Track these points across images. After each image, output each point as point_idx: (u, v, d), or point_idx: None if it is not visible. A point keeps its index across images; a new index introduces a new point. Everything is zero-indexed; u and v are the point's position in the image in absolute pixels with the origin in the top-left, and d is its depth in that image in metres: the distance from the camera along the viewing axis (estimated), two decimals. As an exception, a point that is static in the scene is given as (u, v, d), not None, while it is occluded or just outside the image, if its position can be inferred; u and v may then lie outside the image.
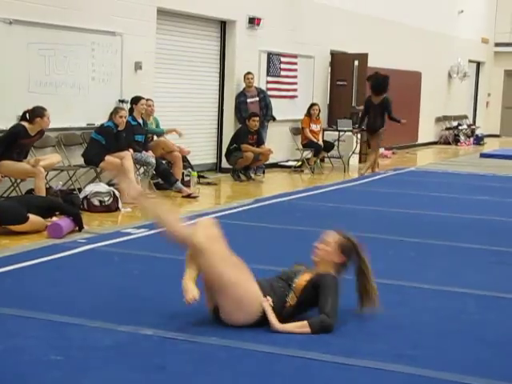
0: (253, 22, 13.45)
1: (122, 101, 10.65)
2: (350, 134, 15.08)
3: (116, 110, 9.89)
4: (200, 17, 12.59)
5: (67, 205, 7.97)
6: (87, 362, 3.91)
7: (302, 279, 4.60)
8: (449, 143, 22.47)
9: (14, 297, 5.06)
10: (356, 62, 15.92)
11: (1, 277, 5.59)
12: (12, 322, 4.52)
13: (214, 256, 4.42)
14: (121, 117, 9.72)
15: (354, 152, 15.38)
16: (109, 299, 5.08)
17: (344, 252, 4.73)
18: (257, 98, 13.32)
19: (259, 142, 12.55)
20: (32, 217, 7.35)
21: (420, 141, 20.92)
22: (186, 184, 10.77)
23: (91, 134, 9.86)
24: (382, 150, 15.60)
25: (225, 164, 13.08)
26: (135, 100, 10.52)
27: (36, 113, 8.43)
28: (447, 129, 22.86)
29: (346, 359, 4.06)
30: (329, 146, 14.60)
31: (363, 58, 15.89)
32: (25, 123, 8.48)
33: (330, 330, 4.39)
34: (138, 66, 11.01)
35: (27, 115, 8.51)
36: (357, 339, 4.42)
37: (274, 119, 13.64)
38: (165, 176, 10.47)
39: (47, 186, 8.77)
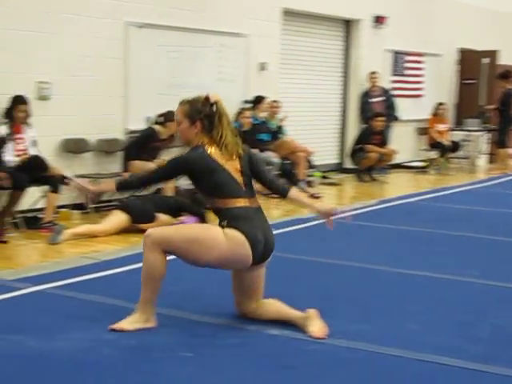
0: (378, 20, 13.29)
1: (246, 101, 10.75)
2: (477, 133, 14.66)
3: (240, 111, 10.00)
4: (325, 16, 12.55)
5: (194, 205, 8.10)
6: (217, 359, 3.95)
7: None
8: None
9: (137, 293, 5.16)
10: (485, 60, 15.46)
11: (134, 272, 5.74)
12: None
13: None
14: (245, 117, 9.81)
15: (481, 152, 14.93)
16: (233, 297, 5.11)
17: (191, 116, 4.46)
18: (381, 98, 13.16)
19: (383, 142, 12.40)
20: (160, 216, 7.52)
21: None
22: (309, 184, 10.76)
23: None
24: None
25: (348, 164, 12.99)
26: (258, 99, 10.61)
27: (168, 117, 8.62)
28: None
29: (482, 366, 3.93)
30: (455, 147, 14.23)
31: (493, 55, 15.42)
32: (157, 126, 8.69)
33: None
34: (262, 67, 11.10)
35: (160, 119, 8.72)
36: (492, 346, 4.27)
37: (396, 119, 13.43)
38: (288, 176, 10.49)
39: (175, 185, 8.95)
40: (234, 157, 4.48)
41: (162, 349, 4.05)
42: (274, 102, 10.91)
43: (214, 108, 4.49)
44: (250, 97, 10.78)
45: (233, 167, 4.44)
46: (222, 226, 4.32)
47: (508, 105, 13.67)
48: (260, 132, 10.43)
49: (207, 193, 4.44)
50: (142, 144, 8.59)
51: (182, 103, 4.51)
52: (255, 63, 11.01)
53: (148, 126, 8.91)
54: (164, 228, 4.51)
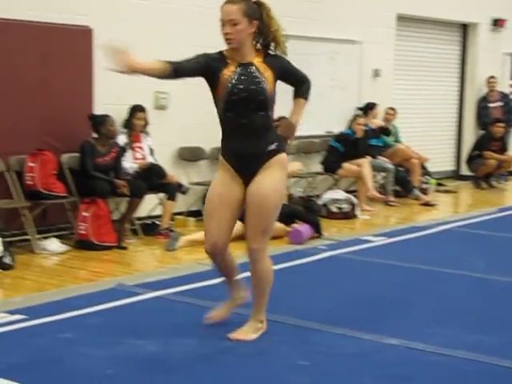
0: (497, 23, 12.92)
1: (360, 108, 10.67)
2: None
3: (354, 118, 9.93)
4: (440, 21, 12.31)
5: (307, 212, 8.09)
6: (333, 368, 3.92)
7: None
8: None
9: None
10: None
11: (247, 280, 5.77)
12: (259, 324, 4.64)
13: None
14: (359, 124, 9.74)
15: None
16: (351, 306, 5.08)
17: (249, 14, 4.18)
18: (500, 103, 12.78)
19: (503, 148, 12.03)
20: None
21: None
22: (424, 191, 10.56)
23: (330, 141, 9.98)
24: None
25: (465, 171, 12.67)
26: (370, 106, 10.51)
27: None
28: None
29: None
30: None
31: None
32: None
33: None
34: (376, 74, 10.99)
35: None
36: None
37: (513, 125, 13.01)
38: (402, 183, 10.35)
39: (287, 192, 8.97)
40: None
41: (278, 356, 4.06)
42: (390, 109, 10.78)
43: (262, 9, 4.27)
44: (363, 104, 10.69)
45: None
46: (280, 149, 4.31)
47: None
48: (371, 137, 10.32)
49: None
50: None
51: (235, 2, 4.16)
52: (368, 70, 10.92)
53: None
54: (258, 230, 4.44)
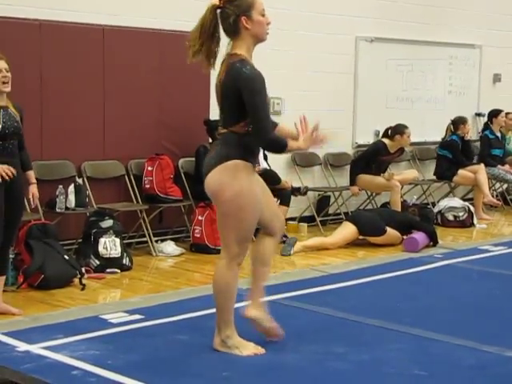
0: None
1: (478, 114, 10.40)
2: None
3: (454, 122, 9.63)
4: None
5: (423, 222, 7.92)
6: (451, 379, 3.82)
7: None
8: None
9: (373, 307, 5.14)
10: None
11: (362, 287, 5.73)
12: (373, 332, 4.59)
13: None
14: (466, 128, 9.49)
15: None
16: (469, 317, 4.94)
17: None
18: None
19: None
20: (389, 230, 7.45)
21: None
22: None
23: (436, 149, 9.76)
24: None
25: None
26: (494, 113, 10.17)
27: (397, 130, 8.53)
28: None
29: None
30: None
31: None
32: (385, 140, 8.63)
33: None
34: (496, 79, 10.68)
35: (389, 132, 8.66)
36: None
37: None
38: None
39: (402, 199, 8.83)
40: None
41: (394, 365, 3.98)
42: (508, 113, 10.41)
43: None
44: (483, 109, 10.40)
45: None
46: None
47: None
48: (494, 147, 10.01)
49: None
50: (371, 158, 8.56)
51: None
52: (489, 75, 10.62)
53: (378, 140, 8.87)
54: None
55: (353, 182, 8.59)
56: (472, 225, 8.82)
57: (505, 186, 10.17)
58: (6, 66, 4.86)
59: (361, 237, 7.51)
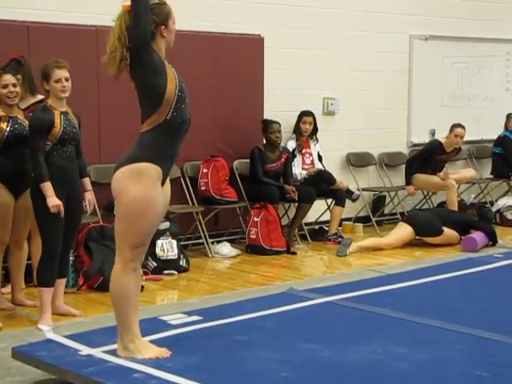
0: None
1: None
2: None
3: (508, 116, 9.46)
4: None
5: (482, 222, 7.81)
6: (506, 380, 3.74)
7: None
8: None
9: (432, 308, 5.08)
10: None
11: (420, 287, 5.66)
12: (433, 332, 4.53)
13: None
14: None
15: None
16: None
17: None
18: None
19: None
20: (446, 230, 7.36)
21: None
22: None
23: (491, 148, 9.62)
24: None
25: None
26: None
27: (450, 129, 8.43)
28: None
29: None
30: None
31: None
32: (442, 139, 8.54)
33: None
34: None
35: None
36: None
37: None
38: None
39: (459, 198, 8.72)
40: None
41: (456, 366, 3.92)
42: None
43: None
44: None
45: None
46: None
47: None
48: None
49: None
50: (427, 157, 8.47)
51: None
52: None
53: (434, 139, 8.77)
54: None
55: (408, 181, 8.51)
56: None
57: None
58: (67, 74, 4.97)
59: (417, 237, 7.44)
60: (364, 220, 8.55)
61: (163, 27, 3.83)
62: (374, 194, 8.81)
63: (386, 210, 8.89)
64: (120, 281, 3.84)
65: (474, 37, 9.53)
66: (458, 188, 8.81)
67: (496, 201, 9.18)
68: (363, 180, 8.73)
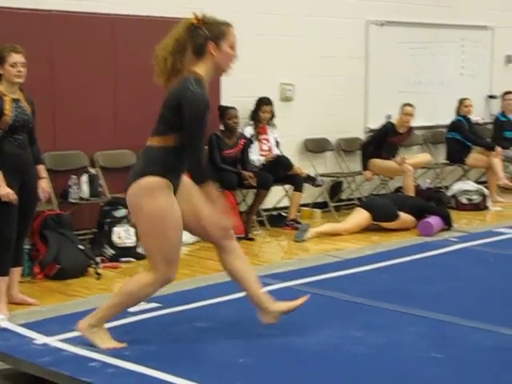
0: None
1: (491, 96, 10.33)
2: None
3: (460, 101, 9.59)
4: None
5: (437, 206, 7.92)
6: (468, 362, 3.80)
7: None
8: None
9: (389, 292, 5.13)
10: None
11: (377, 272, 5.72)
12: (390, 316, 4.58)
13: None
14: (466, 106, 9.46)
15: None
16: (487, 300, 4.93)
17: None
18: None
19: None
20: (403, 215, 7.44)
21: None
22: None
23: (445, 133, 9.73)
24: None
25: None
26: (504, 94, 10.14)
27: (400, 109, 8.55)
28: None
29: None
30: None
31: None
32: (394, 120, 8.64)
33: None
34: (508, 60, 10.60)
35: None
36: None
37: None
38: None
39: (415, 183, 8.81)
40: None
41: (411, 349, 3.97)
42: (508, 93, 10.23)
43: None
44: (496, 91, 10.34)
45: None
46: None
47: None
48: (506, 129, 9.95)
49: None
50: (381, 140, 8.54)
51: None
52: (500, 56, 10.55)
53: (387, 121, 8.83)
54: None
55: (365, 166, 8.58)
56: (486, 208, 8.79)
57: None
58: (23, 60, 4.88)
59: (374, 222, 7.50)
60: (322, 206, 8.59)
61: (213, 45, 3.79)
62: (332, 180, 8.85)
63: (344, 196, 8.94)
64: (145, 289, 3.86)
65: (429, 22, 9.61)
66: (415, 173, 8.90)
67: (451, 185, 9.28)
68: (321, 166, 8.76)
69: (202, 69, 3.81)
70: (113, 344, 3.91)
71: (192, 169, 3.80)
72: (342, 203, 8.87)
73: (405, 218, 7.48)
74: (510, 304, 4.83)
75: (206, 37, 3.77)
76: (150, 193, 3.72)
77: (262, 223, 7.78)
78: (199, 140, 3.73)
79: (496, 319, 4.43)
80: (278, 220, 7.95)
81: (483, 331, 4.25)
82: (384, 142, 8.57)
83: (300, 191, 7.79)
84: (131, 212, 3.91)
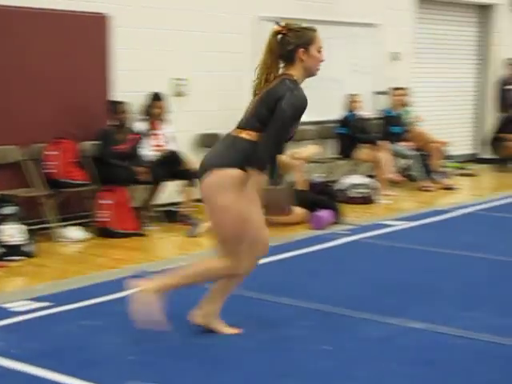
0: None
1: (379, 92, 10.60)
2: None
3: (349, 97, 9.82)
4: (459, 3, 12.21)
5: (327, 198, 8.05)
6: (357, 353, 3.90)
7: None
8: None
9: (281, 286, 5.19)
10: None
11: (268, 266, 5.76)
12: (282, 310, 4.64)
13: None
14: (354, 102, 9.71)
15: None
16: (375, 291, 5.06)
17: None
18: (520, 85, 12.65)
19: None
20: (294, 209, 7.53)
21: None
22: (445, 176, 10.47)
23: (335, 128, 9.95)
24: None
25: (485, 154, 12.60)
26: (389, 90, 10.44)
27: None
28: None
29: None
30: None
31: None
32: None
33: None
34: (395, 57, 10.90)
35: None
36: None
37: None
38: (416, 167, 10.27)
39: (306, 177, 8.91)
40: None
41: (301, 342, 4.04)
42: (398, 89, 10.50)
43: None
44: (383, 87, 10.61)
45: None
46: None
47: None
48: (393, 124, 10.24)
49: None
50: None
51: None
52: (387, 53, 10.83)
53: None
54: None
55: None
56: (376, 201, 9.01)
57: (407, 161, 10.41)
58: None
59: (266, 216, 7.54)
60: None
61: (302, 50, 3.95)
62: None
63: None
64: (217, 271, 4.05)
65: (317, 19, 9.72)
66: (304, 167, 8.97)
67: (341, 179, 9.45)
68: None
69: (293, 73, 3.98)
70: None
71: (259, 152, 3.85)
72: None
73: (296, 211, 7.58)
74: (397, 295, 4.97)
75: (295, 43, 3.95)
76: (226, 185, 3.87)
77: (155, 219, 7.72)
78: (280, 135, 3.88)
79: (385, 310, 4.56)
80: (171, 216, 7.90)
81: (373, 322, 4.37)
82: None
83: (192, 186, 7.76)
84: (205, 199, 4.00)
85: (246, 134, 3.93)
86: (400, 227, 7.29)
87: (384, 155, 9.61)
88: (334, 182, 9.60)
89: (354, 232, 7.04)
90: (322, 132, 10.10)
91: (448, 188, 9.94)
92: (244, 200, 3.92)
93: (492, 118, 12.64)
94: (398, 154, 10.07)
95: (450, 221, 7.66)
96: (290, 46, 3.95)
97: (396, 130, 10.25)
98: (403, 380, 3.58)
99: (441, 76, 12.14)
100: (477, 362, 3.80)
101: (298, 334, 4.16)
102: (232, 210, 3.90)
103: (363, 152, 9.68)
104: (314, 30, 4.06)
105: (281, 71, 4.02)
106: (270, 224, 7.25)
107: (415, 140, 10.48)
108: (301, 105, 3.89)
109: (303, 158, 8.72)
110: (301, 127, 9.05)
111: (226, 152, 3.94)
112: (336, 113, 9.91)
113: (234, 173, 3.87)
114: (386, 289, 5.11)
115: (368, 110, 10.35)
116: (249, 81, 9.32)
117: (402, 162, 10.39)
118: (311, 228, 7.32)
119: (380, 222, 7.53)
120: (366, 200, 8.96)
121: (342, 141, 9.81)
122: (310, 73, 4.06)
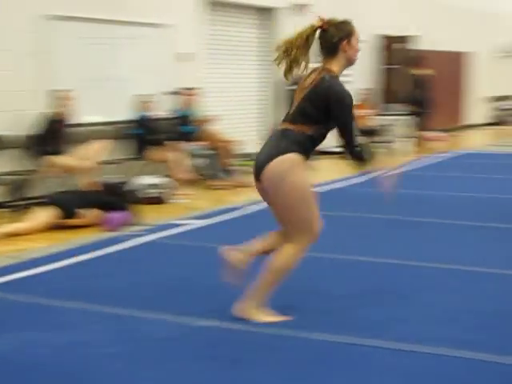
0: (297, 8, 13.33)
1: (168, 92, 10.65)
2: (400, 118, 14.96)
3: (137, 98, 9.87)
4: (243, 5, 12.57)
5: (118, 199, 7.97)
6: (145, 353, 3.91)
7: None
8: (503, 124, 21.75)
9: (75, 290, 5.09)
10: (403, 45, 15.86)
11: (62, 270, 5.65)
12: (76, 315, 4.55)
13: None
14: (143, 102, 9.79)
15: (402, 136, 15.20)
16: (164, 291, 5.08)
17: None
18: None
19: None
20: (87, 211, 7.40)
21: (470, 122, 20.58)
22: (233, 173, 10.70)
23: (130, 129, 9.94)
24: (436, 133, 15.27)
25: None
26: (180, 90, 10.54)
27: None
28: (504, 109, 22.14)
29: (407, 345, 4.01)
30: (371, 132, 14.20)
31: (408, 40, 15.84)
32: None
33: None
34: (181, 57, 11.00)
35: None
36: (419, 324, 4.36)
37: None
38: (209, 166, 10.46)
39: (98, 178, 8.78)
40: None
41: (93, 346, 3.99)
42: (189, 89, 10.69)
43: None
44: (170, 87, 10.67)
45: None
46: None
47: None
48: (184, 124, 10.35)
49: None
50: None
51: None
52: (173, 53, 10.89)
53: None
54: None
55: (46, 163, 8.40)
56: (170, 201, 9.04)
57: (201, 161, 10.53)
58: None
59: (59, 220, 7.36)
60: (2, 206, 8.24)
61: (346, 42, 4.24)
62: (12, 179, 8.52)
63: (28, 194, 8.64)
64: (290, 260, 4.27)
65: (104, 18, 9.63)
66: (95, 168, 8.83)
67: (134, 180, 9.39)
68: (0, 163, 8.40)
69: (335, 65, 4.27)
70: (273, 318, 4.35)
71: (352, 153, 4.21)
72: (23, 202, 8.55)
73: (90, 213, 7.45)
74: (190, 294, 4.99)
75: (338, 36, 4.23)
76: (293, 167, 4.15)
77: None
78: (353, 126, 4.17)
79: (171, 309, 4.60)
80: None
81: (160, 321, 4.39)
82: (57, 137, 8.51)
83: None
84: (271, 185, 4.18)
85: (293, 127, 4.22)
86: (195, 226, 7.37)
87: (174, 155, 9.69)
88: (126, 182, 9.52)
89: (149, 232, 7.03)
90: (113, 132, 9.98)
91: (238, 186, 10.16)
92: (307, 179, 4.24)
93: (276, 117, 13.10)
94: (191, 154, 10.19)
95: (244, 218, 7.83)
96: (334, 38, 4.24)
97: (187, 129, 10.38)
98: (191, 378, 3.62)
99: (229, 76, 12.46)
100: (260, 352, 3.92)
101: (92, 339, 4.09)
102: (302, 184, 4.18)
103: (154, 153, 9.72)
104: (350, 23, 4.33)
105: (314, 64, 4.29)
106: (61, 227, 7.21)
107: (207, 139, 10.66)
108: (348, 95, 4.16)
109: (91, 158, 8.58)
110: (88, 128, 9.10)
111: (280, 142, 4.22)
112: (125, 113, 9.84)
113: (294, 156, 4.16)
114: (181, 288, 5.12)
115: (160, 110, 10.38)
116: (34, 81, 9.11)
117: (197, 161, 10.52)
118: (104, 229, 7.22)
119: (176, 222, 7.57)
120: (159, 200, 8.97)
121: (134, 141, 9.79)
122: (351, 62, 4.34)
